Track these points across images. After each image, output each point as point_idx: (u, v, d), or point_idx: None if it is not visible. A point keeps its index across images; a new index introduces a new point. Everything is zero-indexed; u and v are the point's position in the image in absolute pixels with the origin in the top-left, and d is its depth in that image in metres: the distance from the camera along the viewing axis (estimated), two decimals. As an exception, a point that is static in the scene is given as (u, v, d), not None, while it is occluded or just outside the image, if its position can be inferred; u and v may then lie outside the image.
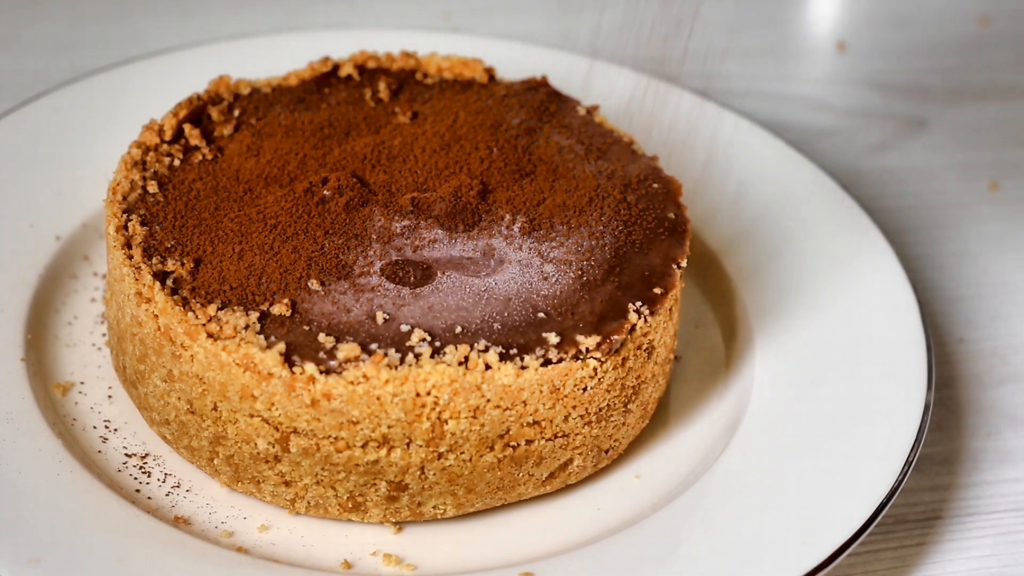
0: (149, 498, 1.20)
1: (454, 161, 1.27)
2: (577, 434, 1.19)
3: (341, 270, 1.18)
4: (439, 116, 1.32)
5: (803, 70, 1.78)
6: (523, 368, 1.14)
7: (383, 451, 1.15)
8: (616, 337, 1.16)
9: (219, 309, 1.15)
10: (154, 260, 1.18)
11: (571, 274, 1.19)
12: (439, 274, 1.18)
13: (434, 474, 1.16)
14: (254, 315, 1.14)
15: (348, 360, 1.12)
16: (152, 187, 1.23)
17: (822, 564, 1.14)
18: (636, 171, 1.29)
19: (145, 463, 1.22)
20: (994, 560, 1.25)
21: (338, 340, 1.13)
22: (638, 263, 1.21)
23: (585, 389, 1.17)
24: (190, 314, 1.14)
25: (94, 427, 1.24)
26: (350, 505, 1.17)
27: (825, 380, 1.27)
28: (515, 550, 1.19)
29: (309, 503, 1.18)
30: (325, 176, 1.24)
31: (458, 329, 1.15)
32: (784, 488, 1.19)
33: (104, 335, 1.32)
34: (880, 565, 1.24)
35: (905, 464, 1.20)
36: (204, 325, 1.14)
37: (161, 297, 1.15)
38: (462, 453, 1.16)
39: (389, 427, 1.14)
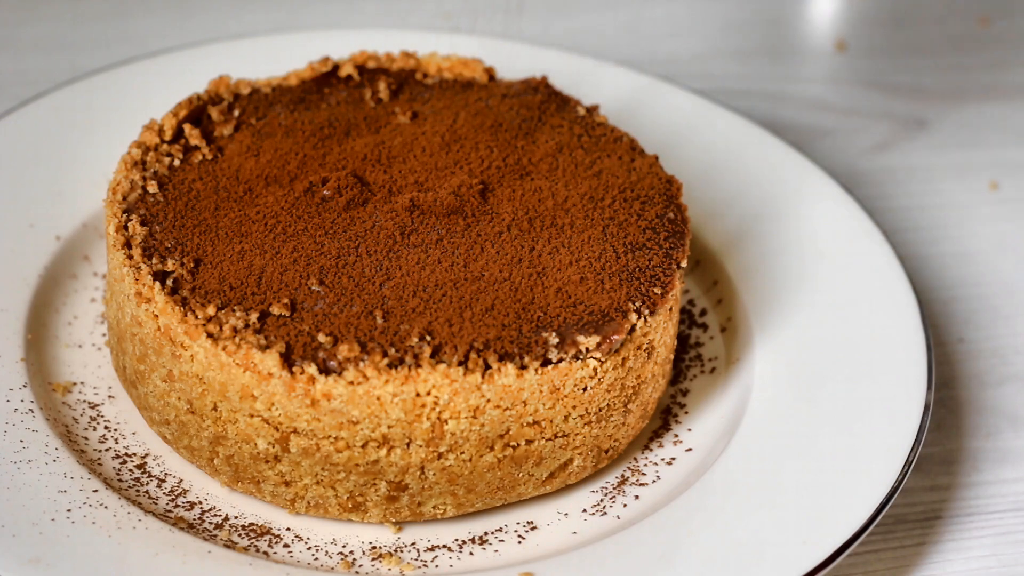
0: (149, 498, 1.20)
1: (454, 161, 1.27)
2: (577, 434, 1.19)
3: (341, 270, 1.18)
4: (439, 116, 1.32)
5: (803, 70, 1.78)
6: (523, 368, 1.14)
7: (383, 451, 1.15)
8: (616, 337, 1.16)
9: (219, 309, 1.15)
10: (154, 260, 1.18)
11: (571, 274, 1.19)
12: (439, 274, 1.18)
13: (434, 474, 1.16)
14: (254, 315, 1.14)
15: (348, 360, 1.12)
16: (152, 187, 1.23)
17: (822, 564, 1.14)
18: (636, 171, 1.29)
19: (145, 463, 1.22)
20: (994, 560, 1.25)
21: (337, 340, 1.13)
22: (638, 263, 1.21)
23: (585, 389, 1.17)
24: (190, 314, 1.14)
25: (94, 427, 1.24)
26: (350, 505, 1.17)
27: (825, 380, 1.27)
28: (515, 550, 1.19)
29: (309, 503, 1.18)
30: (325, 176, 1.24)
31: (458, 328, 1.15)
32: (784, 488, 1.19)
33: (104, 335, 1.32)
34: (880, 565, 1.24)
35: (905, 464, 1.20)
36: (204, 325, 1.14)
37: (161, 297, 1.15)
38: (462, 453, 1.16)
39: (389, 427, 1.14)
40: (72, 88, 1.47)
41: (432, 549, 1.18)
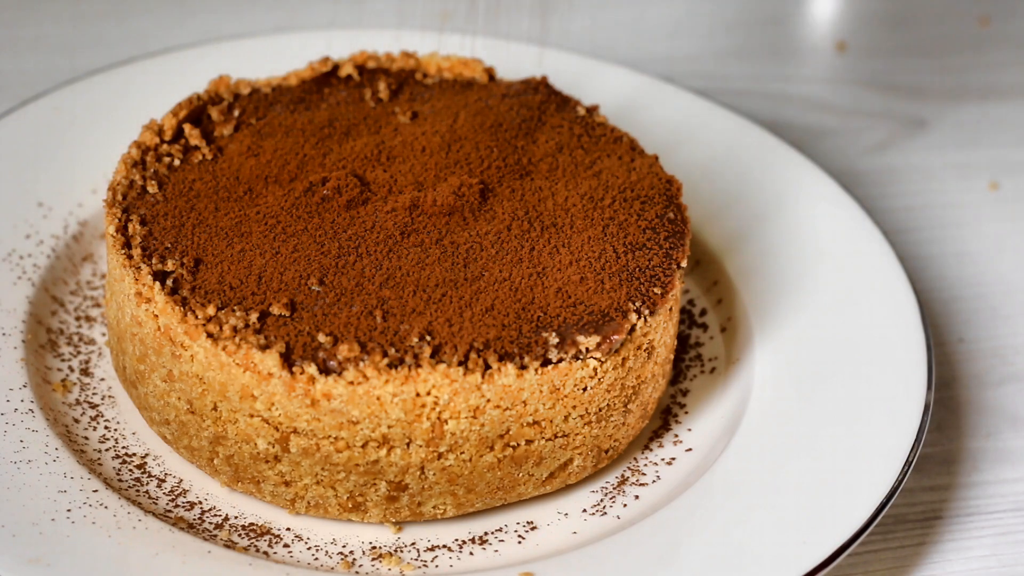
0: (149, 498, 1.20)
1: (454, 161, 1.27)
2: (577, 434, 1.19)
3: (341, 270, 1.18)
4: (439, 116, 1.32)
5: (803, 70, 1.78)
6: (523, 368, 1.14)
7: (383, 451, 1.15)
8: (616, 337, 1.16)
9: (219, 309, 1.15)
10: (154, 260, 1.18)
11: (571, 274, 1.19)
12: (439, 273, 1.18)
13: (434, 474, 1.16)
14: (254, 315, 1.14)
15: (348, 360, 1.12)
16: (152, 187, 1.23)
17: (822, 564, 1.14)
18: (636, 171, 1.29)
19: (145, 463, 1.22)
20: (994, 560, 1.25)
21: (337, 340, 1.13)
22: (638, 263, 1.21)
23: (585, 389, 1.17)
24: (190, 314, 1.14)
25: (94, 427, 1.24)
26: (350, 505, 1.17)
27: (825, 380, 1.27)
28: (515, 550, 1.19)
29: (309, 503, 1.18)
30: (325, 176, 1.24)
31: (458, 328, 1.15)
32: (784, 488, 1.19)
33: (104, 335, 1.32)
34: (880, 565, 1.24)
35: (905, 464, 1.20)
36: (204, 325, 1.14)
37: (161, 297, 1.15)
38: (462, 453, 1.16)
39: (389, 427, 1.14)
40: (72, 88, 1.47)
41: (432, 549, 1.18)
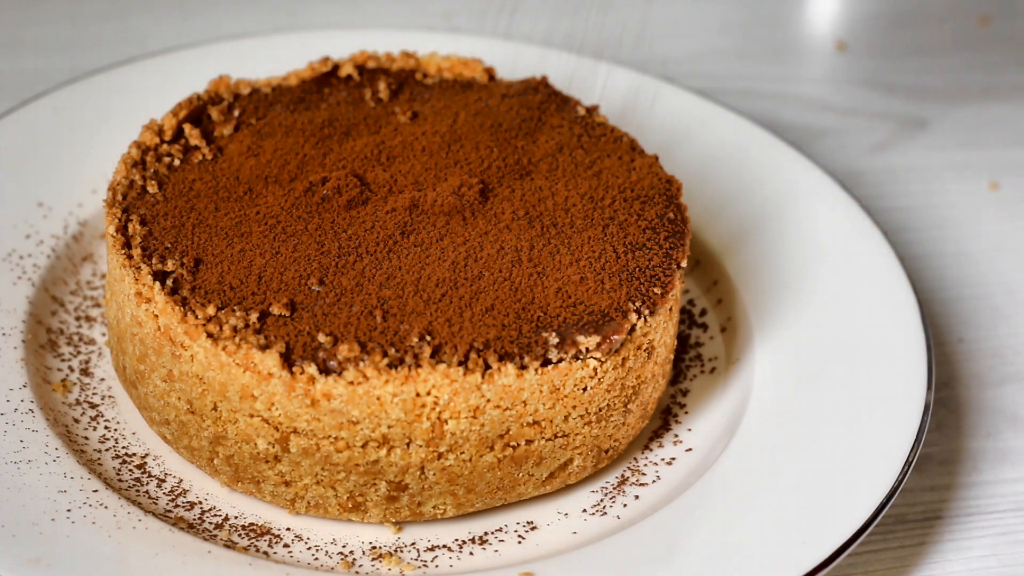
0: (149, 498, 1.20)
1: (454, 161, 1.27)
2: (577, 434, 1.19)
3: (341, 270, 1.18)
4: (439, 116, 1.32)
5: (803, 70, 1.78)
6: (523, 368, 1.14)
7: (383, 451, 1.15)
8: (616, 337, 1.16)
9: (219, 309, 1.15)
10: (154, 260, 1.18)
11: (571, 274, 1.19)
12: (439, 273, 1.18)
13: (434, 474, 1.16)
14: (254, 315, 1.14)
15: (348, 360, 1.12)
16: (152, 187, 1.23)
17: (822, 564, 1.14)
18: (636, 171, 1.29)
19: (145, 463, 1.22)
20: (994, 560, 1.25)
21: (337, 340, 1.13)
22: (638, 263, 1.21)
23: (585, 389, 1.17)
24: (190, 314, 1.14)
25: (94, 427, 1.24)
26: (350, 505, 1.17)
27: (825, 380, 1.27)
28: (515, 550, 1.19)
29: (309, 503, 1.18)
30: (325, 176, 1.24)
31: (458, 328, 1.15)
32: (784, 488, 1.19)
33: (104, 335, 1.32)
34: (880, 565, 1.24)
35: (905, 464, 1.20)
36: (204, 325, 1.14)
37: (161, 297, 1.15)
38: (462, 453, 1.16)
39: (389, 427, 1.14)
40: (72, 88, 1.47)
41: (432, 549, 1.18)
